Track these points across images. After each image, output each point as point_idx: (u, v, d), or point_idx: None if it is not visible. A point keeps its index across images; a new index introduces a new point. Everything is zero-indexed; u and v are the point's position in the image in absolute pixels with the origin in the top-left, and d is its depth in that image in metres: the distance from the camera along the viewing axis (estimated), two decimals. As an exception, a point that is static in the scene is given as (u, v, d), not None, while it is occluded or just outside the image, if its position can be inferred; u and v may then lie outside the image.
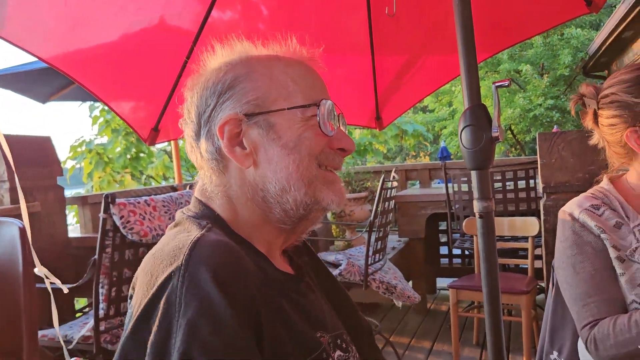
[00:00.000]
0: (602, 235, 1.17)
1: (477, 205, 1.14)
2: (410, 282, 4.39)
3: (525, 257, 3.19)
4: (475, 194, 1.15)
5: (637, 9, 5.29)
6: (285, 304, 0.73)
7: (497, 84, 1.09)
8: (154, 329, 0.61)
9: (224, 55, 0.82)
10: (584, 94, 1.26)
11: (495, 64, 13.20)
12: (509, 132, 14.04)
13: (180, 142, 5.13)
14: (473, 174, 1.14)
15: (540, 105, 12.66)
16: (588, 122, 1.26)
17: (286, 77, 0.78)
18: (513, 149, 15.46)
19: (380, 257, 3.05)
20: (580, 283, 1.18)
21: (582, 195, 1.27)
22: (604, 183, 1.28)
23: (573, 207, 1.23)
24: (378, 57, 2.04)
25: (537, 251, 3.27)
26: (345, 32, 2.02)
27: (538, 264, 3.18)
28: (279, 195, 0.75)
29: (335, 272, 2.85)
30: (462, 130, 1.13)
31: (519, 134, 14.04)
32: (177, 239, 0.70)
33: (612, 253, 1.15)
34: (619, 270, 1.15)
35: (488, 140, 1.09)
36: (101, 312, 2.13)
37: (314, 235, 3.72)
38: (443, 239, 4.96)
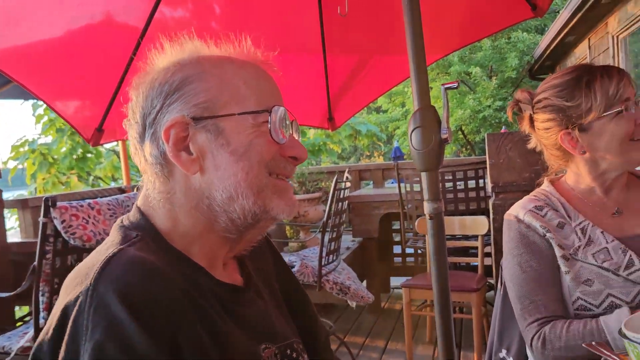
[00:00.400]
0: (548, 235, 1.19)
1: (427, 207, 1.15)
2: (365, 282, 4.42)
3: (476, 255, 3.26)
4: (425, 195, 1.15)
5: (578, 15, 5.51)
6: (219, 318, 0.70)
7: (446, 86, 1.09)
8: (62, 354, 0.58)
9: (174, 54, 0.77)
10: (520, 99, 1.29)
11: (446, 65, 13.49)
12: (459, 132, 14.39)
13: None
14: (423, 175, 1.15)
15: (489, 106, 13.04)
16: (525, 127, 1.30)
17: (238, 80, 0.75)
18: (464, 149, 15.85)
19: (334, 258, 3.05)
20: (526, 281, 1.19)
21: (525, 198, 1.29)
22: (545, 185, 1.31)
23: (517, 210, 1.25)
24: (330, 58, 2.03)
25: (488, 249, 3.35)
26: (297, 31, 2.00)
27: (488, 261, 3.26)
28: (225, 203, 0.72)
29: (288, 273, 2.82)
30: (412, 132, 1.13)
31: (470, 134, 14.41)
32: (97, 253, 0.67)
33: (558, 252, 1.18)
34: (564, 269, 1.17)
35: (437, 142, 1.10)
36: (42, 321, 2.03)
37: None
38: (397, 238, 5.02)
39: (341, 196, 3.06)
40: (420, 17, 1.14)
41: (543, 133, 1.24)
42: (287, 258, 3.03)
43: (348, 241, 4.54)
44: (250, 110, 0.73)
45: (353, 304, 2.99)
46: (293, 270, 2.83)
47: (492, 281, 3.63)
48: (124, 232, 0.72)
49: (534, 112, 1.25)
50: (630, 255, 1.13)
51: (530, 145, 1.33)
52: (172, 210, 0.74)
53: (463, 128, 14.11)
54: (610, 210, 1.22)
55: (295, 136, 0.80)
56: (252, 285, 0.83)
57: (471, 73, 13.34)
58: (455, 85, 1.09)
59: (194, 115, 0.72)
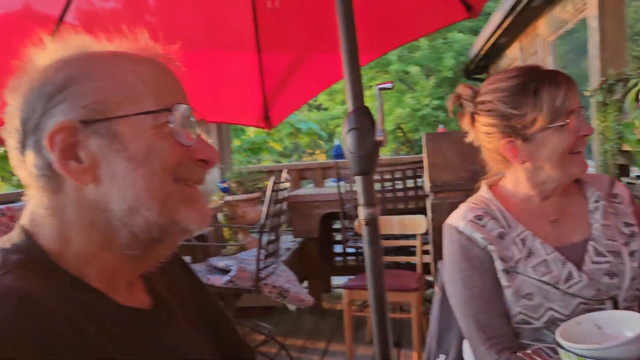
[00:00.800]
0: (489, 247, 1.14)
1: (362, 212, 1.10)
2: (306, 282, 4.38)
3: (415, 253, 3.28)
4: (360, 200, 1.11)
5: (510, 18, 5.69)
6: (116, 348, 0.61)
7: (380, 86, 1.05)
8: None
9: (57, 51, 0.67)
10: (461, 94, 1.23)
11: (385, 64, 13.68)
12: (399, 130, 14.65)
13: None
14: (358, 179, 1.10)
15: (428, 105, 13.35)
16: (465, 124, 1.24)
17: (134, 77, 0.66)
18: (403, 146, 16.15)
19: (273, 261, 2.98)
20: (471, 300, 1.15)
21: (463, 206, 1.23)
22: (483, 191, 1.26)
23: (457, 220, 1.20)
24: (265, 55, 1.96)
25: (427, 247, 3.38)
26: (229, 27, 1.91)
27: (427, 259, 3.29)
28: (126, 216, 0.64)
29: (225, 278, 2.72)
30: (346, 134, 1.08)
31: (409, 132, 14.69)
32: None
33: (499, 265, 1.13)
34: (504, 283, 1.13)
35: (372, 145, 1.05)
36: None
37: (203, 240, 3.56)
38: (338, 237, 5.00)
39: (280, 197, 2.99)
40: (353, 17, 1.09)
41: (484, 136, 1.19)
42: (223, 262, 2.93)
43: (288, 242, 4.48)
44: (148, 110, 0.65)
45: (292, 307, 2.94)
46: (230, 275, 2.74)
47: (431, 278, 3.68)
48: (2, 256, 0.62)
49: (476, 112, 1.20)
50: (570, 268, 1.11)
51: (468, 139, 1.27)
52: (63, 227, 0.64)
53: (402, 126, 14.37)
54: (549, 217, 1.19)
55: (205, 137, 0.72)
56: (161, 307, 0.74)
57: (409, 72, 13.59)
58: (390, 85, 1.04)
59: (83, 118, 0.63)
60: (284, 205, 3.13)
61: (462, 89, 1.23)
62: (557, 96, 1.09)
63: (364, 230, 1.11)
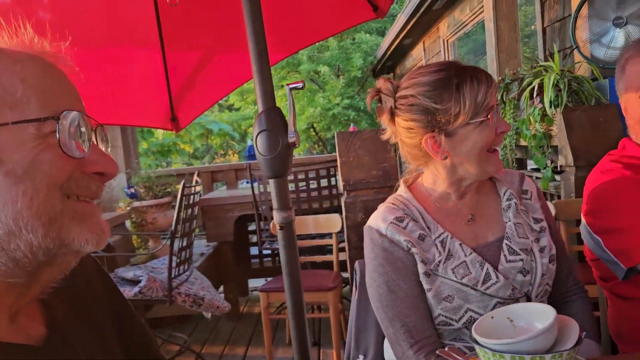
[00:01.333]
0: (413, 250, 1.13)
1: (276, 216, 1.07)
2: (222, 287, 4.28)
3: (332, 252, 3.29)
4: (275, 204, 1.07)
5: (413, 20, 5.90)
6: None
7: (291, 86, 1.01)
8: None
9: None
10: (381, 89, 1.19)
11: (295, 64, 13.72)
12: (312, 130, 14.77)
13: None
14: (271, 182, 1.06)
15: (338, 104, 13.56)
16: (384, 119, 1.20)
17: (14, 77, 0.57)
18: (316, 145, 16.30)
19: (186, 268, 2.86)
20: (396, 303, 1.13)
21: (383, 207, 1.21)
22: (402, 190, 1.24)
23: (378, 222, 1.17)
24: (170, 54, 1.86)
25: (343, 245, 3.41)
26: (130, 23, 1.80)
27: (343, 256, 3.32)
28: (4, 241, 0.55)
29: (134, 290, 2.58)
30: (257, 136, 1.04)
31: (321, 131, 14.85)
32: None
33: (421, 268, 1.12)
34: (425, 286, 1.12)
35: (285, 147, 1.02)
36: None
37: (109, 251, 3.36)
38: (254, 239, 4.94)
39: (191, 201, 2.88)
40: (261, 14, 1.05)
41: (405, 132, 1.16)
42: (132, 272, 2.77)
43: (202, 247, 4.35)
44: (29, 118, 0.56)
45: (208, 315, 2.84)
46: (139, 286, 2.60)
47: (347, 275, 3.72)
48: None
49: (396, 107, 1.16)
50: (487, 269, 1.13)
51: (385, 136, 1.23)
52: None
53: (315, 125, 14.51)
54: (465, 217, 1.20)
55: (102, 147, 0.64)
56: (56, 337, 0.65)
57: (320, 72, 13.74)
58: (301, 85, 1.01)
59: None
60: (196, 210, 3.02)
61: (382, 83, 1.20)
62: (478, 92, 1.09)
63: (279, 234, 1.07)
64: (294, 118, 1.01)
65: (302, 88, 1.02)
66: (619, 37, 2.71)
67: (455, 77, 1.11)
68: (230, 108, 16.79)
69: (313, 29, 2.01)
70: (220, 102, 16.59)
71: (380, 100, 1.20)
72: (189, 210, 2.85)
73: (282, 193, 1.06)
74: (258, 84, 1.03)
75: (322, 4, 1.91)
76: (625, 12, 2.67)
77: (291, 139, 1.01)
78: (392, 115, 1.18)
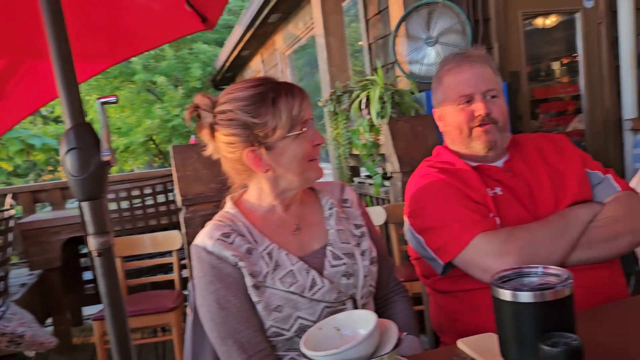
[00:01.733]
0: (240, 264, 1.12)
1: (93, 242, 0.97)
2: (51, 319, 3.86)
3: (173, 270, 3.15)
4: (90, 229, 0.97)
5: (250, 32, 5.96)
6: None
7: (102, 100, 0.93)
8: None
9: None
10: (199, 105, 1.19)
11: (130, 73, 13.01)
12: (151, 142, 14.11)
13: None
14: (84, 205, 0.96)
15: (178, 115, 13.14)
16: (204, 135, 1.20)
17: None
18: (157, 158, 15.61)
19: (1, 303, 2.52)
20: (227, 319, 1.11)
21: (210, 225, 1.20)
22: (229, 207, 1.24)
23: (205, 240, 1.15)
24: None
25: (185, 262, 3.28)
26: None
27: (187, 273, 3.19)
28: None
29: None
30: (65, 155, 0.93)
31: (161, 143, 14.25)
32: None
33: (249, 281, 1.12)
34: (255, 299, 1.12)
35: (98, 166, 0.93)
36: None
37: None
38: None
39: (5, 227, 2.54)
40: (64, 20, 0.94)
41: (226, 147, 1.17)
42: None
43: (24, 276, 3.87)
44: None
45: (32, 354, 2.53)
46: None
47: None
48: None
49: (216, 123, 1.17)
50: (313, 275, 1.15)
51: (207, 152, 1.23)
52: None
53: (154, 137, 13.88)
54: (291, 228, 1.23)
55: None
56: None
57: (156, 82, 13.20)
58: (114, 99, 0.93)
59: None
60: (10, 236, 2.68)
61: (200, 99, 1.19)
62: (293, 106, 1.13)
63: (96, 262, 0.98)
64: (107, 134, 0.93)
65: (115, 102, 0.94)
66: (431, 54, 3.02)
67: (271, 91, 1.14)
68: (56, 120, 15.32)
69: (140, 39, 1.91)
70: (45, 113, 15.05)
71: (199, 117, 1.19)
72: (3, 237, 2.51)
73: (99, 216, 0.97)
74: (63, 96, 0.92)
75: (147, 13, 1.82)
76: (434, 32, 2.98)
77: (105, 157, 0.93)
78: (212, 130, 1.18)
